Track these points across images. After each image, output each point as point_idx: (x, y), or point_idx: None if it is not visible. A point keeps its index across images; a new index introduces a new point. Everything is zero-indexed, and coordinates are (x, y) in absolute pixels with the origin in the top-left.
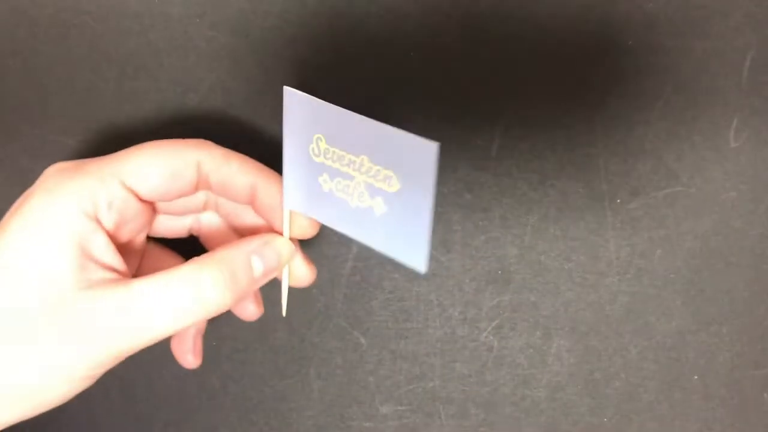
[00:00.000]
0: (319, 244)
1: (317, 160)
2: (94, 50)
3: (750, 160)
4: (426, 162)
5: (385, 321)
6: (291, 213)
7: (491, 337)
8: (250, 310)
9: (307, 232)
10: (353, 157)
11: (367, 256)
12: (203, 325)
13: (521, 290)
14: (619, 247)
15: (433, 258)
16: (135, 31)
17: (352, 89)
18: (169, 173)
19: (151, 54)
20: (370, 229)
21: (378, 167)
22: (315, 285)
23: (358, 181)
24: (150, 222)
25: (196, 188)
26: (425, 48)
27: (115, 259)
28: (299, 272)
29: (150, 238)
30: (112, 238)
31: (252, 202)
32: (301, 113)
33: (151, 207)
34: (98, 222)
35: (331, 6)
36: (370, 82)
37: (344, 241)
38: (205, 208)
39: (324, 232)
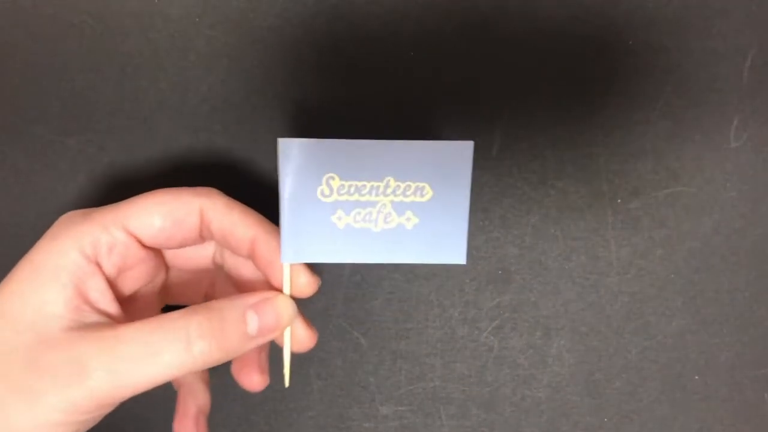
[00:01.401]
0: None
1: (328, 200)
2: (94, 50)
3: (750, 160)
4: (463, 162)
5: (385, 321)
6: (291, 269)
7: (491, 338)
8: (255, 380)
9: (306, 290)
10: (376, 183)
11: None
12: (206, 405)
13: (521, 290)
14: (619, 247)
15: None
16: (135, 31)
17: (351, 89)
18: (172, 218)
19: (151, 54)
20: (400, 245)
21: (407, 183)
22: None
23: (384, 203)
24: (157, 272)
25: (201, 236)
26: (425, 48)
27: (112, 306)
28: (299, 336)
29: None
30: (114, 284)
31: (252, 256)
32: (304, 159)
33: (158, 256)
34: (98, 266)
35: (331, 6)
36: (370, 82)
37: None
38: (213, 261)
39: None
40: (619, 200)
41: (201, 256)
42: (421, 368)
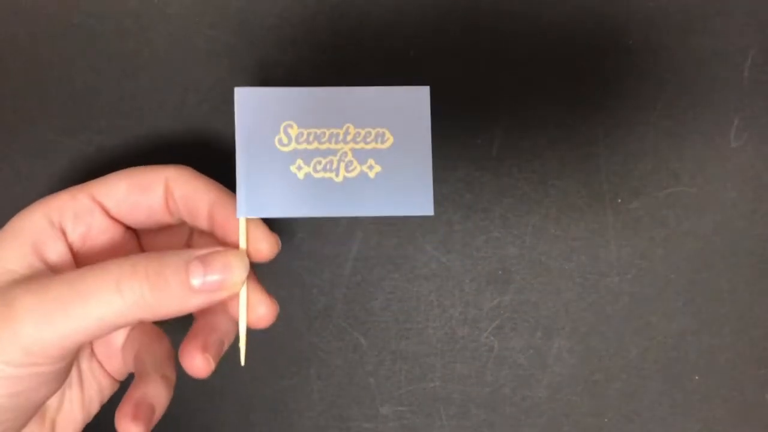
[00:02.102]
0: (320, 244)
1: (286, 149)
2: (94, 50)
3: (750, 160)
4: (420, 107)
5: (385, 321)
6: (248, 226)
7: (492, 338)
8: (196, 362)
9: (265, 250)
10: (336, 129)
11: (367, 256)
12: (157, 397)
13: (522, 290)
14: (619, 247)
15: (433, 258)
16: (135, 31)
17: None
18: (138, 185)
19: (151, 54)
20: (364, 197)
21: (367, 129)
22: (315, 285)
23: (344, 151)
24: (128, 248)
25: (168, 210)
26: (425, 47)
27: (71, 269)
28: (256, 307)
29: None
30: (79, 255)
31: (212, 223)
32: (262, 108)
33: (129, 235)
34: (62, 231)
35: (331, 6)
36: (370, 81)
37: (344, 240)
38: (188, 245)
39: (324, 230)
40: (619, 200)
41: (176, 238)
42: (421, 368)
